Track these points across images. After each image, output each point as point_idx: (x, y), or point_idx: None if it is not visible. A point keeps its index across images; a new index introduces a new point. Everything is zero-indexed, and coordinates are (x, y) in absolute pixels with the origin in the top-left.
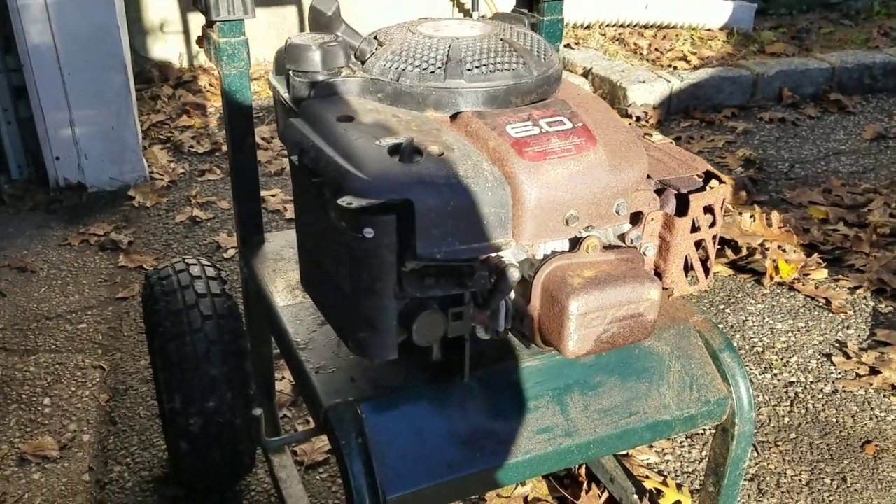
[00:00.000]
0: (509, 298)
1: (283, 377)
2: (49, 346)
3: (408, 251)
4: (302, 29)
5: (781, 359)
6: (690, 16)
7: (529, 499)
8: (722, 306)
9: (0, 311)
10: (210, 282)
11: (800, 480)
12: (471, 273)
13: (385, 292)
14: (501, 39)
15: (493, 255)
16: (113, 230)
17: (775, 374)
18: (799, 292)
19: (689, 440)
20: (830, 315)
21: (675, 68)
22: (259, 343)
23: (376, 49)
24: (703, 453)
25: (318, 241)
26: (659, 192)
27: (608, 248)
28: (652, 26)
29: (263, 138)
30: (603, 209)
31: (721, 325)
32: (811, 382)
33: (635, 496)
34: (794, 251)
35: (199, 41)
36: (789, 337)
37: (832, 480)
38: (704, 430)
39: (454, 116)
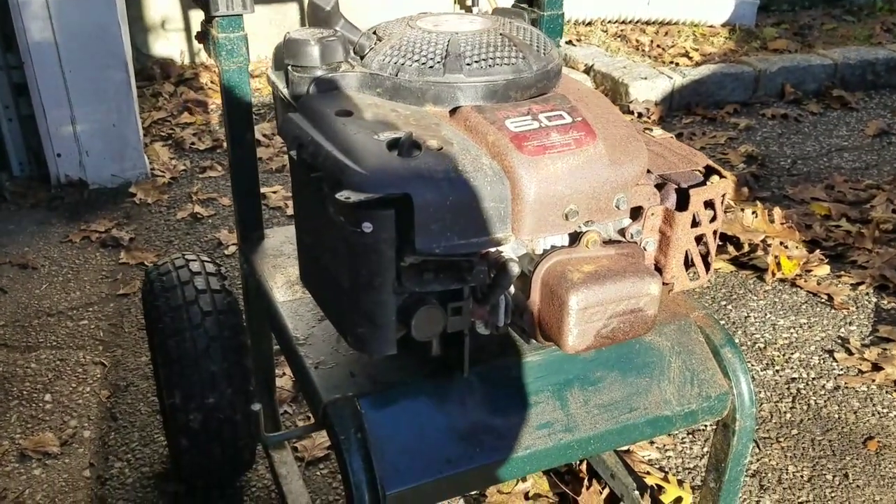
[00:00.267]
0: (509, 293)
1: (284, 373)
2: (50, 342)
3: (407, 246)
4: (303, 25)
5: (783, 355)
6: (692, 12)
7: (530, 495)
8: (724, 303)
9: (1, 308)
10: (210, 278)
11: (801, 477)
12: (470, 268)
13: (384, 287)
14: (501, 34)
15: (493, 249)
16: (114, 227)
17: (777, 371)
18: (801, 289)
19: (690, 436)
20: (833, 311)
21: (677, 65)
22: (259, 339)
23: (375, 44)
24: (705, 449)
25: (317, 237)
26: (659, 186)
27: (608, 242)
28: (654, 23)
29: (264, 135)
30: (603, 204)
31: (722, 322)
32: (813, 379)
33: (636, 492)
34: (797, 247)
35: (199, 37)
36: (791, 333)
37: (834, 477)
38: (705, 425)
39: (453, 111)
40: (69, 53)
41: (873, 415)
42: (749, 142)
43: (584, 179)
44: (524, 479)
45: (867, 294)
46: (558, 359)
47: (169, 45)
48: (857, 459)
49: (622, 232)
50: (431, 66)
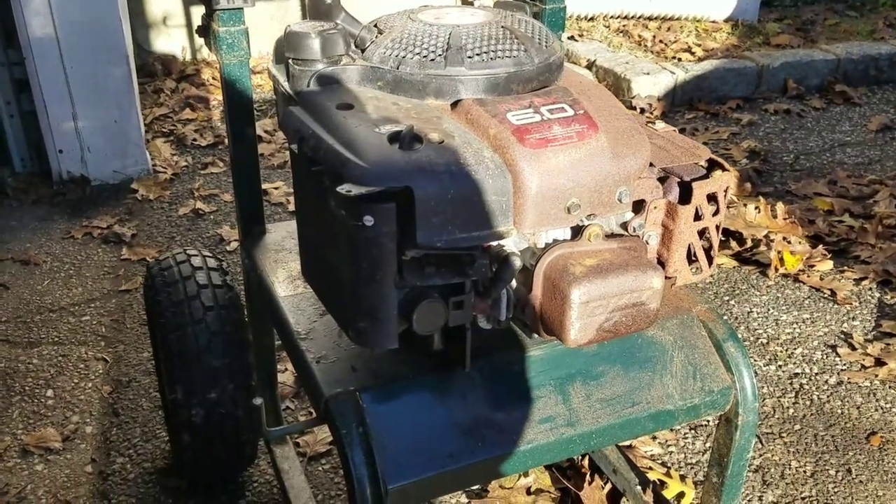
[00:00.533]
0: (511, 287)
1: (286, 368)
2: (52, 338)
3: (408, 239)
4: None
5: (786, 350)
6: (695, 7)
7: (532, 490)
8: (727, 298)
9: (4, 304)
10: (211, 272)
11: (804, 472)
12: (472, 261)
13: (385, 281)
14: (502, 27)
15: (495, 243)
16: (116, 223)
17: (780, 366)
18: (804, 284)
19: (692, 431)
20: (836, 306)
21: (680, 60)
22: (261, 334)
23: (376, 37)
24: (707, 444)
25: (319, 231)
26: (662, 180)
27: (610, 236)
28: (656, 18)
29: (266, 131)
30: (605, 197)
31: (725, 317)
32: (816, 374)
33: (639, 487)
34: (800, 243)
35: (200, 31)
36: (794, 328)
37: (837, 472)
38: (708, 420)
39: (455, 104)
40: (70, 49)
41: (876, 410)
42: (752, 137)
43: (586, 172)
44: (526, 474)
45: (870, 289)
46: (560, 353)
47: (170, 41)
48: (860, 455)
49: (624, 225)
50: (433, 59)
